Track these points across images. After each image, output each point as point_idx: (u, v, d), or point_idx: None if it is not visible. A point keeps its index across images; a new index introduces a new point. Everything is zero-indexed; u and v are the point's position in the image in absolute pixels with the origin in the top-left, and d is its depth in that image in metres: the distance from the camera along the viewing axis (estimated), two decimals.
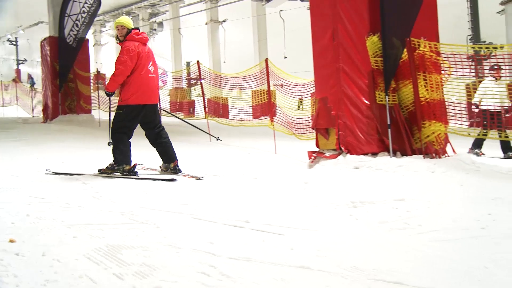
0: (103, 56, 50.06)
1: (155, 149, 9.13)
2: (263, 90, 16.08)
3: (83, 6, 20.59)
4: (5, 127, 18.81)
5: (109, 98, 9.67)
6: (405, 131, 8.65)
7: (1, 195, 6.75)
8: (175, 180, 8.13)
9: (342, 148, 8.96)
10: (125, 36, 8.78)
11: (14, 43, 52.69)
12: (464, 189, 6.68)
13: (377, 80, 8.70)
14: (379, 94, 8.67)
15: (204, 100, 18.57)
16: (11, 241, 4.55)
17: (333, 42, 9.08)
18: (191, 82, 33.07)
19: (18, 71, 50.86)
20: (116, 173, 8.59)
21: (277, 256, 4.22)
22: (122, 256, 4.15)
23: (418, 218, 5.46)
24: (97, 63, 48.79)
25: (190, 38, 40.07)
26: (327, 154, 9.08)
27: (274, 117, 14.44)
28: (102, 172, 8.64)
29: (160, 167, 9.21)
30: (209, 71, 21.65)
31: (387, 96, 8.60)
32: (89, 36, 23.89)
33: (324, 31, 9.27)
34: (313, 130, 9.79)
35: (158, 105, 9.66)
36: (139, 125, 9.10)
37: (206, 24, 38.02)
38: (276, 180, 8.04)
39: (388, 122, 8.57)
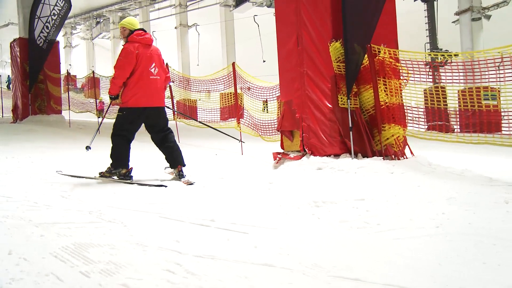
0: (74, 58, 49.70)
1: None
2: (231, 93, 16.11)
3: (54, 9, 20.49)
4: None
5: (109, 103, 9.60)
6: (366, 134, 8.70)
7: None
8: (165, 186, 7.68)
9: (306, 149, 9.01)
10: (127, 38, 8.40)
11: None
12: (421, 189, 6.73)
13: (339, 84, 8.74)
14: (341, 98, 8.72)
15: (172, 102, 18.53)
16: None
17: (297, 47, 9.12)
18: None
19: None
20: (113, 177, 8.24)
21: (241, 254, 4.21)
22: (89, 254, 4.11)
23: (377, 217, 5.49)
24: (70, 65, 48.43)
25: (161, 41, 40.01)
26: (292, 155, 9.11)
27: (241, 119, 14.47)
28: (102, 175, 8.30)
29: (166, 168, 8.75)
30: (178, 74, 21.68)
31: (349, 100, 8.65)
32: (60, 38, 23.67)
33: (289, 37, 9.31)
34: (278, 132, 9.82)
35: (165, 108, 8.95)
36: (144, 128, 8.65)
37: (175, 28, 37.96)
38: (242, 180, 8.04)
39: (350, 125, 8.61)
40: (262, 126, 13.73)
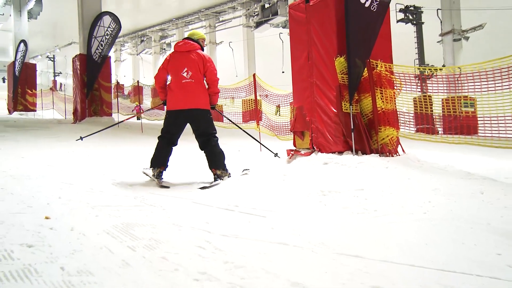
0: (122, 70, 50.05)
1: None
2: (251, 99, 16.11)
3: (107, 30, 20.83)
4: (43, 126, 18.88)
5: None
6: (365, 135, 8.64)
7: (39, 181, 6.68)
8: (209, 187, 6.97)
9: (315, 147, 8.98)
10: None
11: (52, 59, 52.89)
12: (411, 182, 6.68)
13: (343, 93, 8.68)
14: (344, 104, 8.66)
15: None
16: (47, 218, 4.56)
17: (308, 61, 9.10)
18: None
19: (54, 82, 51.18)
20: (151, 173, 7.58)
21: (260, 234, 4.21)
22: (134, 232, 4.15)
23: (374, 205, 5.47)
24: (117, 76, 48.73)
25: None
26: (302, 152, 9.07)
27: (260, 121, 14.45)
28: (144, 172, 7.77)
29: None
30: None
31: (351, 106, 8.59)
32: (111, 53, 23.91)
33: (301, 53, 9.28)
34: (291, 132, 9.79)
35: (206, 111, 7.88)
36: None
37: (206, 45, 38.16)
38: (261, 172, 8.01)
39: (352, 127, 8.56)
40: (277, 127, 13.76)
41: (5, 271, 3.04)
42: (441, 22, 25.54)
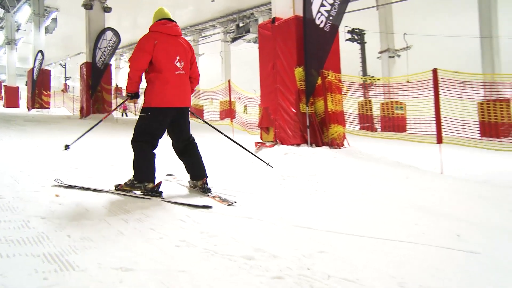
0: (121, 76, 49.64)
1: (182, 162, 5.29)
2: (227, 100, 16.08)
3: (109, 42, 20.73)
4: (55, 121, 18.75)
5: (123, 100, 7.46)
6: (318, 131, 8.67)
7: (51, 166, 6.57)
8: (210, 207, 4.27)
9: (277, 140, 8.99)
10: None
11: (63, 66, 52.41)
12: (353, 169, 6.73)
13: (301, 96, 8.69)
14: (302, 106, 8.67)
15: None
16: (56, 196, 4.50)
17: (273, 70, 9.11)
18: None
19: (65, 85, 50.59)
20: (136, 191, 4.72)
21: (231, 210, 4.19)
22: (127, 208, 4.09)
23: (324, 187, 5.51)
24: (117, 80, 48.34)
25: None
26: (267, 144, 9.08)
27: (233, 119, 14.42)
28: (120, 189, 4.80)
29: (188, 182, 5.29)
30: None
31: (307, 107, 8.61)
32: (112, 62, 23.85)
33: (267, 63, 9.27)
34: (259, 128, 9.79)
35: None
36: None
37: None
38: (233, 160, 7.97)
39: (307, 124, 8.58)
40: (247, 124, 13.76)
41: (23, 237, 3.08)
42: (379, 42, 25.85)
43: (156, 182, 4.76)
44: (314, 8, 8.70)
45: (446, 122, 7.62)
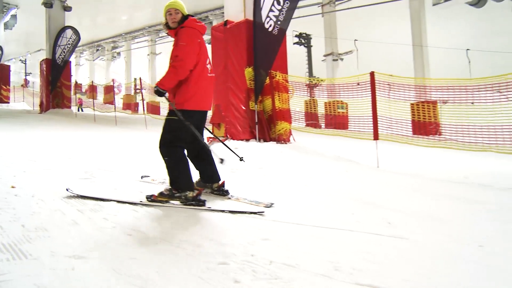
0: (81, 73, 48.19)
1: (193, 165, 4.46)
2: None
3: (69, 40, 20.29)
4: (15, 115, 18.28)
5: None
6: (266, 127, 8.72)
7: (8, 158, 6.33)
8: (263, 212, 3.73)
9: (228, 135, 8.99)
10: (179, 23, 4.13)
11: (24, 62, 50.36)
12: (298, 162, 6.81)
13: (250, 95, 8.72)
14: (251, 104, 8.71)
15: (143, 103, 18.28)
16: (12, 187, 4.39)
17: (225, 70, 9.10)
18: (136, 91, 32.53)
19: (25, 80, 48.70)
20: (174, 201, 3.98)
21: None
22: (83, 199, 3.97)
23: (270, 177, 5.61)
24: (77, 77, 46.92)
25: (138, 63, 39.14)
26: (219, 138, 9.06)
27: None
28: (154, 199, 3.98)
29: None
30: (149, 84, 21.89)
31: (256, 105, 8.64)
32: (72, 59, 23.23)
33: (219, 63, 9.25)
34: (211, 124, 9.74)
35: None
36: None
37: (148, 55, 37.14)
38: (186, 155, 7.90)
39: (256, 121, 8.62)
40: None
41: None
42: (324, 46, 26.24)
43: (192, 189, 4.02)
44: (264, 12, 8.74)
45: (382, 121, 7.82)
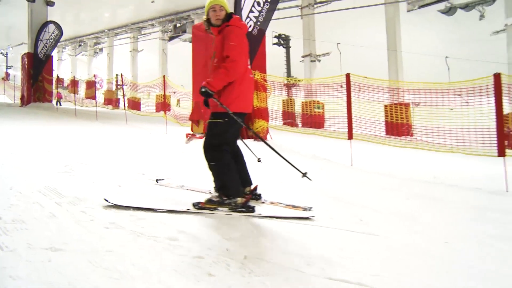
0: (63, 67, 47.27)
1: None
2: (162, 94, 15.81)
3: (51, 35, 19.91)
4: None
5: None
6: (244, 124, 8.73)
7: None
8: (313, 217, 3.52)
9: (206, 132, 8.97)
10: (224, 21, 3.81)
11: (5, 55, 49.16)
12: (274, 159, 6.82)
13: None
14: None
15: (124, 99, 18.08)
16: None
17: (205, 68, 9.06)
18: (118, 87, 32.16)
19: (7, 74, 47.52)
20: (223, 208, 3.67)
21: (161, 194, 4.09)
22: (61, 192, 3.90)
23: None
24: (59, 72, 46.04)
25: (120, 59, 38.64)
26: (197, 135, 9.03)
27: (168, 111, 14.21)
28: (202, 207, 3.65)
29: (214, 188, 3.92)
30: (130, 81, 21.70)
31: None
32: (54, 54, 22.86)
33: (200, 61, 9.24)
34: (190, 120, 9.70)
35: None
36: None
37: (130, 51, 36.72)
38: (165, 148, 7.84)
39: None
40: (180, 117, 13.61)
41: None
42: (303, 47, 26.37)
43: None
44: (244, 13, 8.73)
45: (357, 121, 7.89)
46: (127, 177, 4.98)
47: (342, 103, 7.92)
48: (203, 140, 3.81)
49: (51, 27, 20.02)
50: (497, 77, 6.03)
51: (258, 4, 8.91)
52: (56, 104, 21.07)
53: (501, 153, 6.03)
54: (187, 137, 9.12)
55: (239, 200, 3.69)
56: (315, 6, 24.06)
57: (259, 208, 3.76)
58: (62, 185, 4.16)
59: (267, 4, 8.96)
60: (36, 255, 2.37)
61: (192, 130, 9.45)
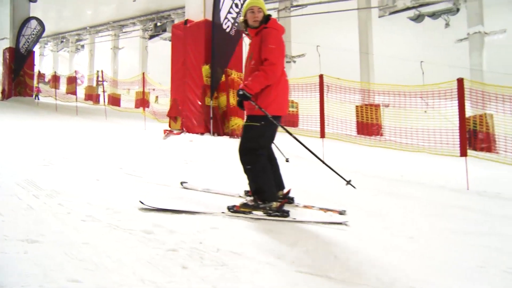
0: (44, 63, 46.15)
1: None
2: (141, 91, 15.65)
3: (33, 31, 19.46)
4: None
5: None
6: (221, 122, 8.71)
7: None
8: (346, 223, 3.36)
9: (184, 128, 8.92)
10: (261, 22, 3.64)
11: None
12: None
13: (206, 91, 8.68)
14: (207, 99, 8.68)
15: (104, 95, 17.81)
16: None
17: (183, 66, 9.01)
18: (98, 83, 31.64)
19: None
20: (256, 212, 3.52)
21: (137, 188, 4.07)
22: (39, 184, 3.84)
23: (221, 169, 5.63)
24: (40, 67, 44.95)
25: (101, 57, 37.99)
26: (175, 131, 8.97)
27: (147, 108, 14.10)
28: (236, 210, 3.51)
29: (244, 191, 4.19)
30: (110, 77, 21.46)
31: (211, 101, 8.61)
32: (36, 49, 22.37)
33: (178, 60, 9.17)
34: (168, 117, 9.63)
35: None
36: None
37: (111, 49, 36.15)
38: (143, 145, 7.77)
39: (211, 116, 8.61)
40: (158, 113, 13.51)
41: None
42: None
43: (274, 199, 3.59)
44: (222, 14, 8.73)
45: (329, 120, 7.97)
46: (105, 171, 4.93)
47: (316, 103, 7.98)
48: (238, 143, 3.61)
49: (33, 23, 19.58)
50: (460, 81, 6.19)
51: (236, 5, 8.92)
52: (35, 99, 20.60)
53: (463, 153, 6.21)
54: (164, 133, 9.05)
55: (274, 204, 3.55)
56: (292, 9, 24.15)
57: (294, 212, 3.63)
58: (41, 178, 4.10)
59: None
60: (12, 247, 2.34)
61: (169, 127, 9.36)
